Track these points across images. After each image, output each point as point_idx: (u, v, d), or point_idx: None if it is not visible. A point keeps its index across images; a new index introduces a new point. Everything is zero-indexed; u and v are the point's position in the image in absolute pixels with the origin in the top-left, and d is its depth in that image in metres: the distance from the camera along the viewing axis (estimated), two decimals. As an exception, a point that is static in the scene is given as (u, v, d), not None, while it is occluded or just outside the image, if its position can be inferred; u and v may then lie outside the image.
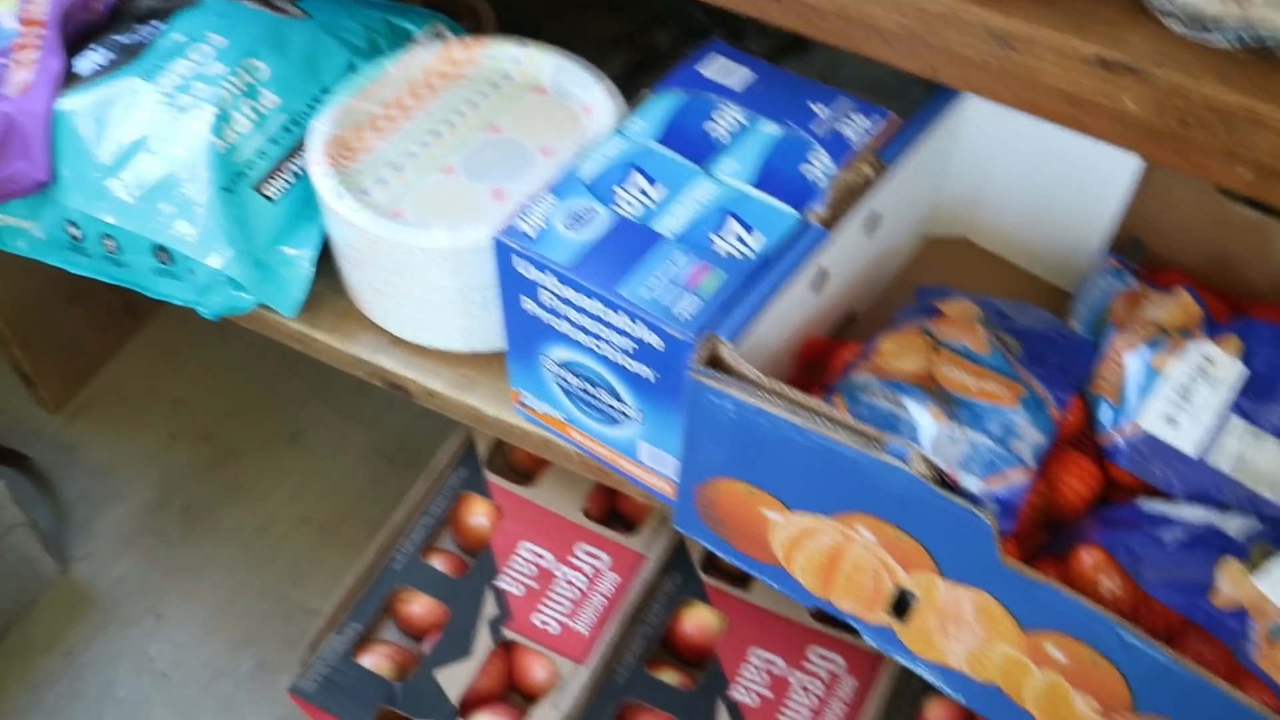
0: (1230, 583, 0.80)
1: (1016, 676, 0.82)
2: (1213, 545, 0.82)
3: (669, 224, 0.87)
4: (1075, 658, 0.77)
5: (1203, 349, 0.89)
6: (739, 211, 0.88)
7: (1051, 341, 0.93)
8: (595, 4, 1.51)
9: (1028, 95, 0.92)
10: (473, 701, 0.97)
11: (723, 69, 0.96)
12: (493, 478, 1.07)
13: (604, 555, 1.00)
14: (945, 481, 0.76)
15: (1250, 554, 0.82)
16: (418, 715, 0.94)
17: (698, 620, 0.99)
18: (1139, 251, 1.01)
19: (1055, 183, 1.00)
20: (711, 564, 1.02)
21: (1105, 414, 0.90)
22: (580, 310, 0.86)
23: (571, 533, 1.02)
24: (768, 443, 0.80)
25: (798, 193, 0.89)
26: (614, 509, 1.08)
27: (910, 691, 0.97)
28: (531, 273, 0.87)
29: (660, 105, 0.94)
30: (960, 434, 0.84)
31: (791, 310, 0.88)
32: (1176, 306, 0.92)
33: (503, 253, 0.88)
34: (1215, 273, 0.98)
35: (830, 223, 0.87)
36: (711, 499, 0.87)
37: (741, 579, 1.03)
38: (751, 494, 0.85)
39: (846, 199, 0.88)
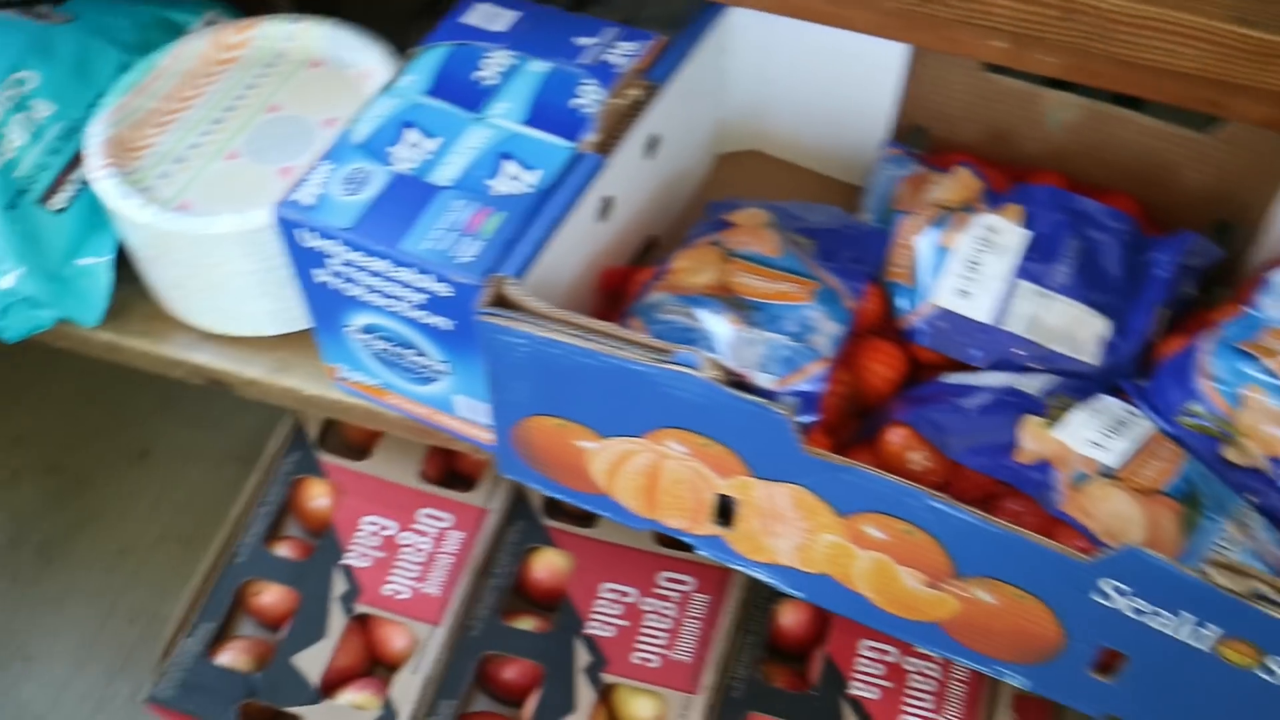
0: (1032, 438, 0.82)
1: (843, 562, 0.83)
2: (1013, 406, 0.84)
3: (446, 173, 0.87)
4: (893, 534, 0.79)
5: (985, 220, 0.91)
6: (514, 151, 0.88)
7: (843, 236, 0.95)
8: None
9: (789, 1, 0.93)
10: (334, 681, 0.97)
11: (487, 15, 0.96)
12: (326, 457, 1.07)
13: (446, 515, 1.01)
14: (738, 382, 0.78)
15: (1048, 409, 0.84)
16: (280, 703, 0.93)
17: (547, 564, 1.00)
18: (922, 138, 1.03)
19: (832, 82, 1.01)
20: (553, 507, 1.03)
21: (902, 298, 0.92)
22: (369, 272, 0.86)
23: (411, 499, 1.02)
24: (566, 373, 0.81)
25: (571, 125, 0.89)
26: (452, 469, 1.08)
27: (761, 599, 0.99)
28: (315, 241, 0.86)
29: (428, 59, 0.94)
30: (756, 336, 0.85)
31: (579, 241, 0.89)
32: (957, 184, 0.94)
33: (284, 226, 0.87)
34: (995, 147, 1.00)
35: (604, 149, 0.88)
36: (527, 439, 0.88)
37: (585, 518, 1.04)
38: (563, 427, 0.85)
39: (618, 123, 0.89)
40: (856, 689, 0.94)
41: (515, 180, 0.87)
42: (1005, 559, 0.77)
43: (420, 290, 0.85)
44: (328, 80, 1.03)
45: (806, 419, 0.83)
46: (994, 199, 0.93)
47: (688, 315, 0.87)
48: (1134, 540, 0.79)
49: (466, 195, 0.86)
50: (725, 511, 0.85)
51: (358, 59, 1.03)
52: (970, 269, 0.90)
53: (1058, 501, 0.80)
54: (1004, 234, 0.91)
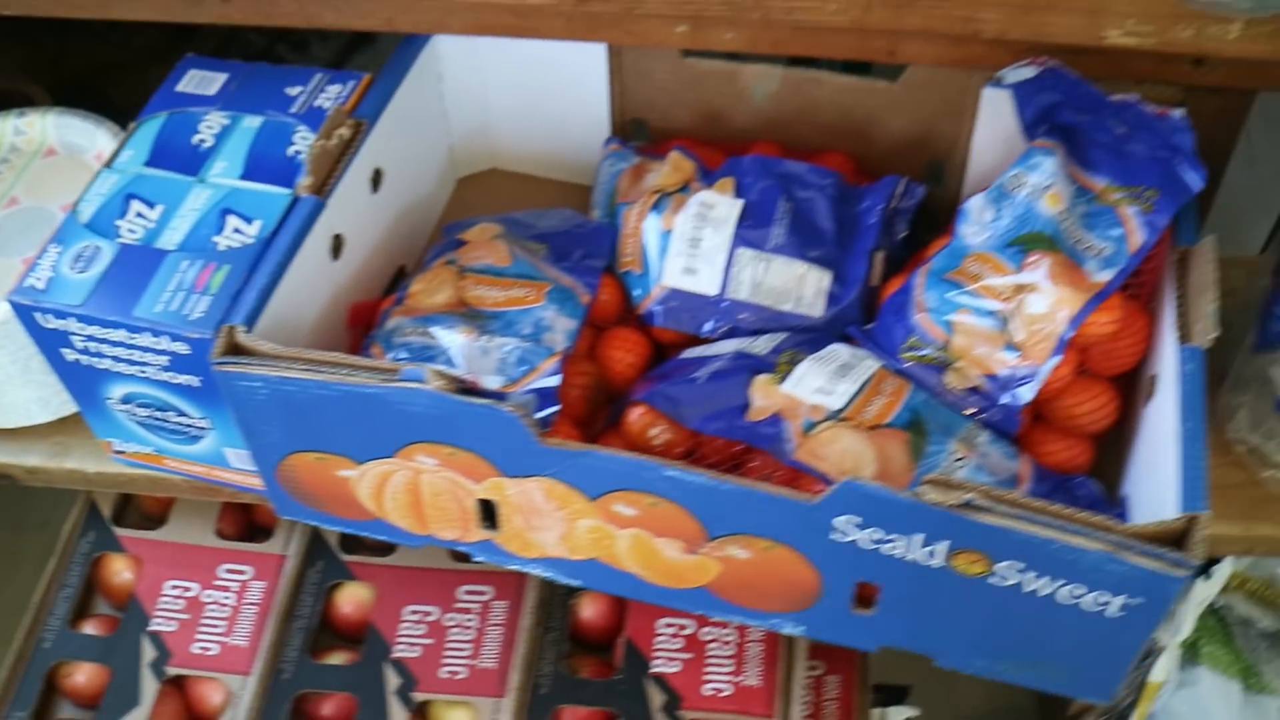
0: (762, 395, 0.86)
1: (606, 544, 0.86)
2: (744, 369, 0.88)
3: (171, 238, 0.89)
4: (642, 509, 0.82)
5: (700, 197, 0.95)
6: (234, 207, 0.90)
7: (574, 235, 0.99)
8: (149, 58, 1.52)
9: (477, 20, 0.97)
10: (157, 749, 0.98)
11: (199, 80, 0.99)
12: (122, 531, 1.08)
13: (246, 568, 1.03)
14: (466, 389, 0.81)
15: (777, 366, 0.88)
16: None
17: (351, 597, 1.02)
18: (642, 130, 1.07)
19: (548, 92, 1.05)
20: (351, 542, 1.05)
21: (636, 285, 0.96)
22: (110, 343, 0.88)
23: (210, 557, 1.04)
24: (308, 407, 0.83)
25: (288, 173, 0.92)
26: (251, 522, 1.10)
27: (559, 596, 1.02)
28: (54, 322, 0.88)
29: (146, 131, 0.96)
30: (490, 343, 0.88)
31: (313, 281, 0.91)
32: (671, 168, 0.98)
33: (22, 312, 0.89)
34: (710, 127, 1.05)
35: (320, 190, 0.90)
36: (293, 478, 0.90)
37: (383, 549, 1.06)
38: (321, 460, 0.88)
39: (330, 164, 0.91)
40: (658, 666, 0.97)
41: (238, 233, 0.89)
42: (746, 514, 0.81)
43: (161, 353, 0.87)
44: (63, 167, 1.05)
45: (547, 412, 0.86)
46: (708, 176, 0.98)
47: (424, 335, 0.89)
48: (868, 474, 0.83)
49: (192, 255, 0.88)
50: (491, 515, 0.88)
51: (90, 142, 1.05)
52: (692, 246, 0.94)
53: (791, 451, 0.84)
54: (718, 207, 0.95)
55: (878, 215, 0.95)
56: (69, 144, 1.06)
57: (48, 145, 1.07)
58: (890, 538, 0.78)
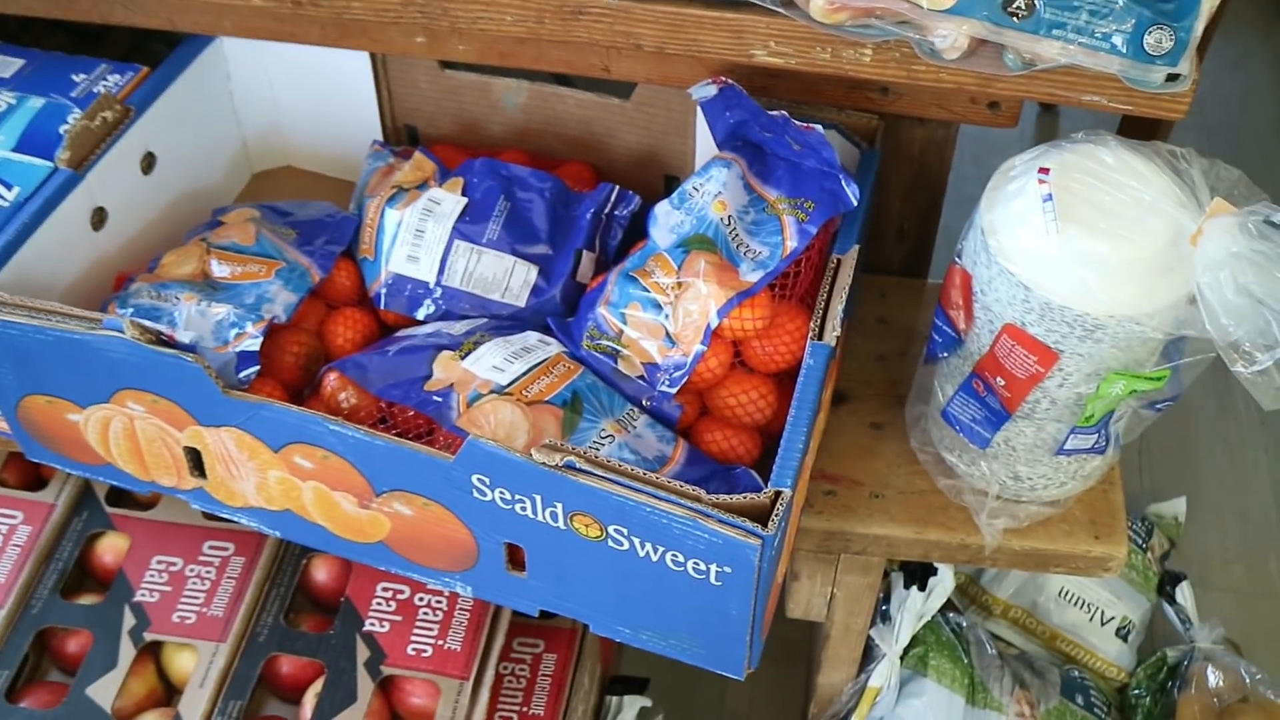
0: (442, 369, 0.94)
1: (295, 495, 0.94)
2: (434, 346, 0.96)
3: (-60, 197, 0.99)
4: (316, 461, 0.90)
5: (429, 194, 1.04)
6: None
7: (323, 224, 1.07)
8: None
9: (243, 24, 1.06)
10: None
11: None
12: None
13: (16, 513, 1.12)
14: (161, 340, 0.89)
15: (463, 345, 0.96)
16: None
17: (110, 546, 1.11)
18: (413, 137, 1.16)
19: (328, 96, 1.14)
20: (118, 496, 1.14)
21: (369, 270, 1.05)
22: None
23: (-14, 500, 1.13)
24: (32, 351, 0.92)
25: (55, 148, 1.02)
26: (38, 473, 1.19)
27: (292, 557, 1.10)
28: None
29: (-57, 106, 1.07)
30: (209, 309, 0.97)
31: (68, 247, 1.00)
32: (413, 167, 1.07)
33: None
34: (468, 135, 1.13)
35: (78, 165, 1.00)
36: (31, 420, 0.99)
37: (147, 504, 1.15)
38: (51, 404, 0.97)
39: (91, 142, 1.01)
40: (370, 625, 1.04)
41: (-2, 198, 0.99)
42: (401, 470, 0.89)
43: (-84, 299, 0.96)
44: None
45: (247, 371, 0.95)
46: (445, 175, 1.06)
47: (156, 298, 0.98)
48: (519, 444, 0.90)
49: (-49, 213, 0.98)
50: (200, 465, 0.96)
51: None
52: (416, 236, 1.02)
53: (454, 419, 0.91)
54: (444, 203, 1.03)
55: (589, 218, 1.03)
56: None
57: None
58: (518, 498, 0.85)
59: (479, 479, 0.86)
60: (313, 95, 1.15)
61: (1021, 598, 1.36)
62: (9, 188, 0.99)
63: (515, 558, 0.92)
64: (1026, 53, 0.88)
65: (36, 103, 1.05)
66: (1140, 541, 1.43)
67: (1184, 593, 1.39)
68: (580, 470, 0.82)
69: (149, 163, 1.07)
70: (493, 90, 1.10)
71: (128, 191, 1.05)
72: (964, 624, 1.27)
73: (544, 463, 0.82)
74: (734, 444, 0.95)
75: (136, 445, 0.97)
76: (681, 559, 0.84)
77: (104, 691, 1.03)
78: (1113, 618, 1.36)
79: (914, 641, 1.23)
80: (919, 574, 1.16)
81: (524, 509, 0.86)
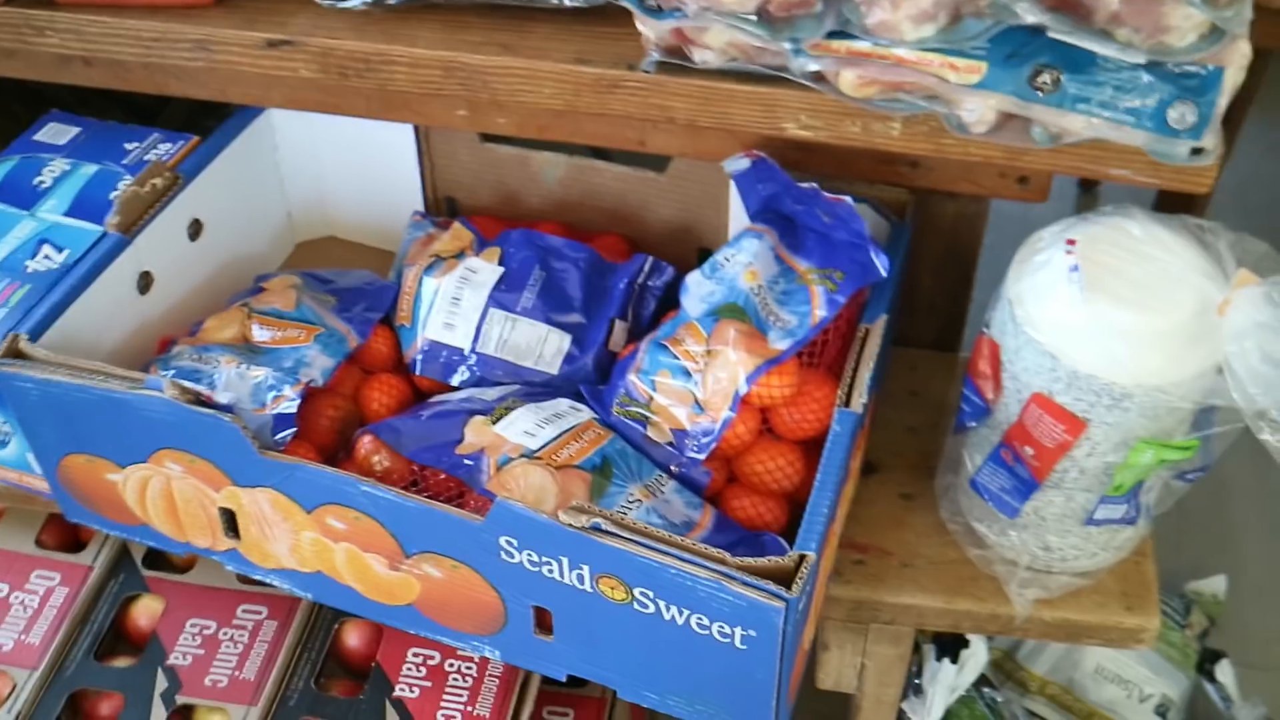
0: (474, 433, 0.95)
1: (327, 557, 0.95)
2: (465, 411, 0.97)
3: (-8, 260, 1.03)
4: (348, 522, 0.92)
5: (467, 263, 1.06)
6: (51, 237, 1.04)
7: (363, 291, 1.10)
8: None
9: (292, 96, 1.09)
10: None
11: (55, 132, 1.13)
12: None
13: (55, 574, 1.14)
14: (199, 400, 0.91)
15: (495, 410, 0.97)
16: None
17: (145, 609, 1.13)
18: (453, 209, 1.18)
19: (372, 169, 1.17)
20: (154, 559, 1.16)
21: (406, 336, 1.07)
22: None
23: (25, 564, 1.14)
24: (74, 410, 0.95)
25: (106, 214, 1.05)
26: (75, 535, 1.21)
27: (324, 620, 1.11)
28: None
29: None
30: (248, 371, 0.99)
31: (115, 310, 1.03)
32: (451, 237, 1.09)
33: None
34: (506, 207, 1.16)
35: (126, 229, 1.03)
36: (70, 480, 1.01)
37: (183, 566, 1.16)
38: (91, 463, 0.99)
39: (140, 208, 1.04)
40: (400, 691, 1.05)
41: (47, 259, 1.02)
42: (431, 532, 0.90)
43: (-42, 361, 0.99)
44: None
45: (283, 434, 0.97)
46: (482, 245, 1.08)
47: (198, 360, 1.00)
48: (548, 507, 0.91)
49: (4, 276, 1.01)
50: (235, 525, 0.98)
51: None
52: (453, 304, 1.04)
53: (484, 482, 0.93)
54: (481, 272, 1.05)
55: (623, 288, 1.04)
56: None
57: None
58: (545, 560, 0.86)
59: (507, 540, 0.87)
60: (357, 167, 1.18)
61: (1058, 674, 1.35)
62: (59, 250, 1.02)
63: (543, 622, 0.92)
64: (1053, 127, 0.89)
65: (89, 169, 1.09)
66: (1178, 619, 1.42)
67: (1224, 671, 1.37)
68: (606, 532, 0.83)
69: (196, 229, 1.10)
70: (531, 163, 1.12)
71: (174, 257, 1.08)
72: (999, 699, 1.26)
73: (571, 524, 0.83)
74: (761, 511, 0.96)
75: (173, 505, 0.99)
76: (707, 622, 0.84)
77: (136, 753, 1.04)
78: (1151, 695, 1.34)
79: (948, 716, 1.22)
80: (951, 646, 1.15)
81: (551, 571, 0.87)
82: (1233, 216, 2.23)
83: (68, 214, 1.05)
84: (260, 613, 1.10)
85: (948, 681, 1.14)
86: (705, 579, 0.81)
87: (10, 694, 1.06)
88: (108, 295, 1.02)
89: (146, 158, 1.09)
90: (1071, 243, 0.89)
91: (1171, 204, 1.59)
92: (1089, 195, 2.29)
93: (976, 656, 1.14)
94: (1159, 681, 1.35)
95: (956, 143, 0.92)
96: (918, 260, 1.13)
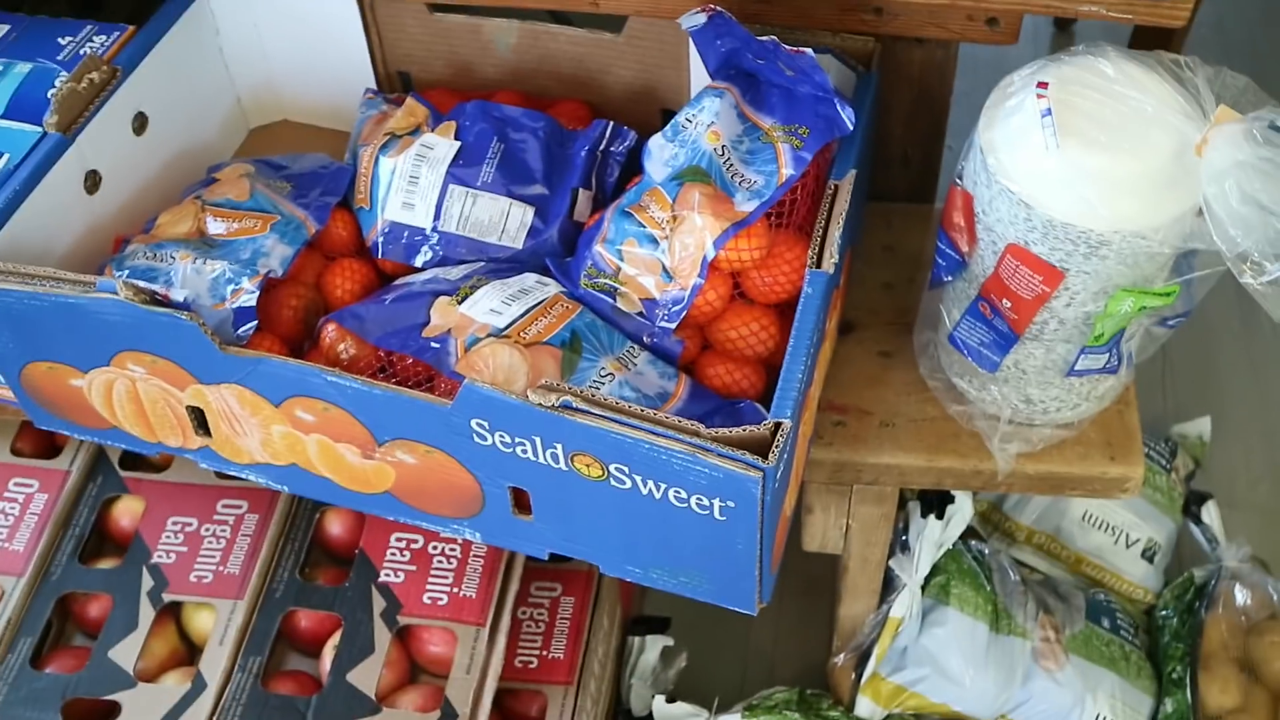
0: (439, 315, 0.93)
1: (299, 449, 0.94)
2: (431, 292, 0.95)
3: (-75, 162, 0.99)
4: (316, 413, 0.90)
5: (422, 140, 1.02)
6: (-11, 140, 1.00)
7: (319, 175, 1.07)
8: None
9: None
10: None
11: (-18, 30, 1.09)
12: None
13: (33, 481, 1.12)
14: (155, 300, 0.89)
15: (460, 290, 0.95)
16: (101, 694, 1.03)
17: (125, 509, 1.12)
18: (406, 83, 1.14)
19: (319, 47, 1.13)
20: (131, 460, 1.14)
21: (365, 219, 1.04)
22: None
23: (5, 472, 1.13)
24: (27, 317, 0.92)
25: (44, 113, 1.01)
26: (51, 441, 1.19)
27: (305, 511, 1.10)
28: None
29: (-68, 74, 1.06)
30: (205, 266, 0.96)
31: (62, 212, 1.00)
32: (405, 113, 1.05)
33: None
34: (461, 79, 1.12)
35: (66, 128, 0.99)
36: (34, 386, 0.99)
37: (159, 466, 1.15)
38: (53, 370, 0.97)
39: (76, 105, 1.00)
40: (385, 576, 1.04)
41: (-13, 164, 0.98)
42: (402, 419, 0.88)
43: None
44: None
45: (245, 327, 0.94)
46: (438, 120, 1.05)
47: (152, 258, 0.98)
48: (519, 386, 0.89)
49: (-58, 183, 0.97)
50: (205, 423, 0.96)
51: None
52: (411, 183, 1.01)
53: (452, 364, 0.91)
54: (437, 148, 1.02)
55: (584, 156, 1.01)
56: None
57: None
58: (518, 441, 0.85)
59: (478, 423, 0.85)
60: (304, 46, 1.14)
61: (1044, 523, 1.35)
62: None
63: (521, 502, 0.91)
64: (1020, -36, 0.85)
65: (23, 68, 1.04)
66: (1164, 463, 1.42)
67: (1210, 512, 1.37)
68: (577, 410, 0.81)
69: (141, 123, 1.06)
70: (484, 31, 1.08)
71: (120, 153, 1.04)
72: (986, 551, 1.26)
73: (541, 404, 0.81)
74: (737, 377, 0.94)
75: (140, 407, 0.97)
76: (684, 495, 0.83)
77: (126, 653, 1.04)
78: (1137, 540, 1.34)
79: (935, 570, 1.22)
80: (937, 503, 1.15)
81: (525, 452, 0.86)
82: (1212, 51, 2.20)
83: (4, 116, 1.01)
84: (240, 507, 1.09)
85: (934, 538, 1.14)
86: (680, 452, 0.80)
87: None
88: (54, 197, 0.98)
89: (82, 51, 1.05)
90: (1043, 86, 0.86)
91: (1147, 40, 1.55)
92: (1064, 35, 2.24)
93: (962, 511, 1.14)
94: (1145, 526, 1.35)
95: (921, -14, 0.89)
96: (887, 111, 1.10)
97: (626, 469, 0.83)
